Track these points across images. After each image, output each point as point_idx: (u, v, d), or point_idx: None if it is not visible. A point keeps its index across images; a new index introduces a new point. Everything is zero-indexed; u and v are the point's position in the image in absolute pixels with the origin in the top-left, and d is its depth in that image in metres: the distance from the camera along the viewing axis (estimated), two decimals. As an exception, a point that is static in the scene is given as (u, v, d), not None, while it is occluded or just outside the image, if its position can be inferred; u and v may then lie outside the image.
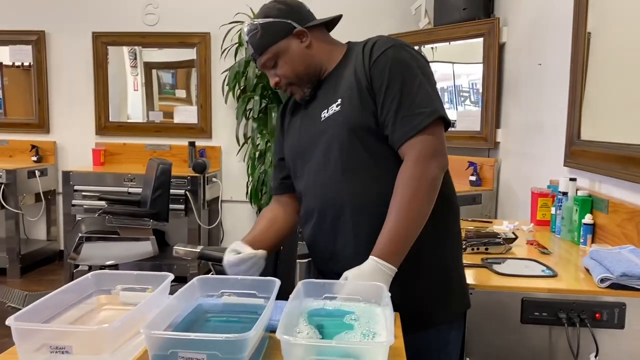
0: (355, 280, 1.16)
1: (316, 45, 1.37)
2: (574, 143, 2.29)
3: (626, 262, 1.52)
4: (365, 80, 1.27)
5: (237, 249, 1.38)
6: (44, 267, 4.59)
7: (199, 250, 2.35)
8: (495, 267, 1.68)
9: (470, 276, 1.57)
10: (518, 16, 3.31)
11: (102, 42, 4.62)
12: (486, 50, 3.62)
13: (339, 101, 1.31)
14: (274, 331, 1.09)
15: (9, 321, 0.85)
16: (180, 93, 4.75)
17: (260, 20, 1.34)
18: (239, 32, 4.42)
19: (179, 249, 2.39)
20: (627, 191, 1.87)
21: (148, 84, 4.75)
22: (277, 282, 1.08)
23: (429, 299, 1.32)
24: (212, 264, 2.37)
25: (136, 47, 4.65)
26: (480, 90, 3.70)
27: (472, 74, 3.82)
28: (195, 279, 1.11)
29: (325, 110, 1.34)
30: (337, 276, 1.20)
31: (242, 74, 4.26)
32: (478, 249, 1.84)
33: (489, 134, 3.65)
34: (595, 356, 1.43)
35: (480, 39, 3.68)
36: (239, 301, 1.11)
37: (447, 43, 3.92)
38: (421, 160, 1.21)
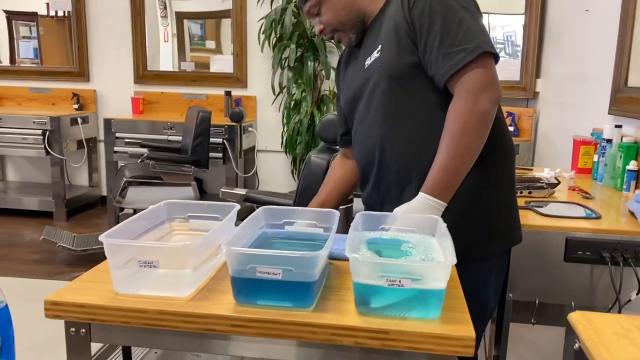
0: (401, 220, 1.19)
1: None
2: (620, 90, 2.27)
3: (672, 204, 1.54)
4: (404, 24, 1.27)
5: None
6: (88, 211, 4.78)
7: (244, 193, 2.46)
8: (539, 209, 1.72)
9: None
10: (564, -39, 3.22)
11: (139, -11, 4.63)
12: (529, -2, 3.55)
13: (379, 47, 1.32)
14: (332, 259, 1.18)
15: (102, 237, 0.93)
16: (210, 44, 4.78)
17: None
18: (275, -21, 4.38)
19: (226, 191, 2.50)
20: (675, 137, 1.86)
21: (180, 34, 4.77)
22: (337, 213, 1.15)
23: (469, 235, 1.31)
24: (255, 206, 2.47)
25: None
26: (516, 42, 3.64)
27: (507, 26, 3.75)
28: (260, 208, 1.18)
29: (369, 58, 1.36)
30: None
31: (279, 22, 4.25)
32: (521, 192, 1.88)
33: (529, 84, 3.61)
34: (637, 294, 1.48)
35: (524, -15, 3.60)
36: (300, 229, 1.18)
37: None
38: (470, 94, 1.20)
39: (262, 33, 4.43)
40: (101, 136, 4.71)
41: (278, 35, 4.33)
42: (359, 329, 0.89)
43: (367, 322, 0.89)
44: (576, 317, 0.93)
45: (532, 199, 1.85)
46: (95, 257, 3.64)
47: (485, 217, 1.36)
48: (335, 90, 1.60)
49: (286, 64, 4.37)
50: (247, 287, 0.93)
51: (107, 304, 0.93)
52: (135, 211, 3.57)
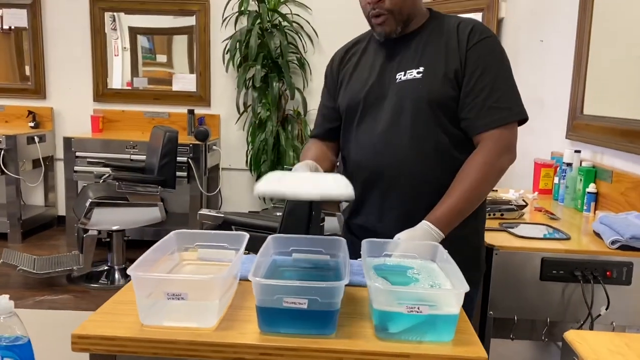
0: (404, 245, 1.24)
1: None
2: (576, 117, 2.45)
3: (634, 226, 1.69)
4: (457, 61, 1.32)
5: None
6: (44, 232, 4.64)
7: (223, 215, 2.48)
8: (512, 230, 1.84)
9: (493, 239, 1.73)
10: (518, -8, 3.43)
11: (100, 8, 4.58)
12: (485, 25, 3.74)
13: (421, 69, 1.35)
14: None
15: (130, 271, 0.96)
16: (161, 58, 4.77)
17: None
18: (239, 1, 4.43)
19: (204, 213, 2.52)
20: (630, 162, 2.03)
21: (133, 49, 4.74)
22: (344, 241, 1.21)
23: (464, 263, 1.43)
24: (235, 228, 2.49)
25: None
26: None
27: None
28: (269, 237, 1.23)
29: (402, 73, 1.38)
30: (361, 230, 1.31)
31: (244, 43, 4.30)
32: (494, 214, 2.00)
33: (486, 107, 3.80)
34: (606, 309, 1.61)
35: (480, 14, 3.79)
36: (307, 257, 1.23)
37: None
38: (498, 151, 1.30)
39: (227, 53, 4.46)
40: (59, 155, 4.60)
41: (243, 56, 4.38)
42: (381, 354, 0.95)
43: (387, 347, 0.96)
44: (572, 336, 1.03)
45: (504, 221, 1.97)
46: (56, 280, 3.55)
47: (473, 241, 1.47)
48: (326, 83, 1.59)
49: (251, 83, 4.42)
50: (273, 317, 0.98)
51: (136, 336, 0.96)
52: (99, 232, 3.52)
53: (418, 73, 1.36)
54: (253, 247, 1.23)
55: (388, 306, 0.97)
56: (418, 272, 1.17)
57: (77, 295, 3.41)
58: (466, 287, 0.97)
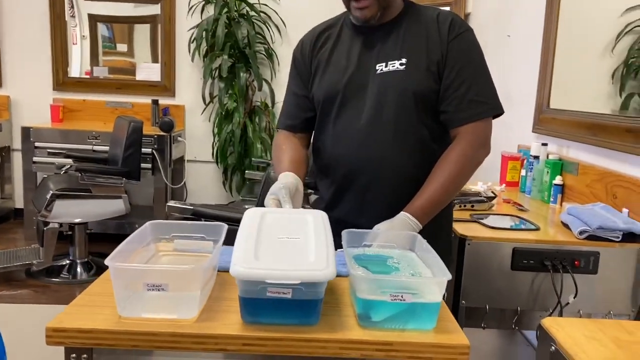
0: (385, 235, 1.25)
1: None
2: (543, 111, 2.51)
3: (600, 217, 1.74)
4: (438, 52, 1.33)
5: (278, 199, 1.28)
6: None
7: (192, 207, 2.44)
8: (483, 221, 1.87)
9: (465, 229, 1.75)
10: (485, -12, 3.48)
11: (60, -7, 4.42)
12: (452, 19, 3.79)
13: (404, 61, 1.34)
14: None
15: (107, 261, 0.93)
16: (121, 47, 4.66)
17: None
18: (206, -10, 4.36)
19: (173, 205, 2.47)
20: (595, 155, 2.09)
21: (93, 38, 4.61)
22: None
23: (441, 252, 1.44)
24: (204, 220, 2.45)
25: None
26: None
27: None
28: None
29: (383, 64, 1.36)
30: (339, 224, 1.27)
31: (210, 32, 4.23)
32: (465, 205, 2.03)
33: (452, 101, 3.85)
34: (574, 297, 1.66)
35: (447, 9, 3.83)
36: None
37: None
38: (475, 144, 1.34)
39: (193, 42, 4.38)
40: (16, 145, 4.43)
41: (209, 45, 4.31)
42: (364, 342, 0.94)
43: (370, 335, 0.96)
44: (549, 323, 1.05)
45: (474, 212, 2.00)
46: (14, 274, 3.43)
47: (447, 230, 1.50)
48: (296, 69, 1.51)
49: (217, 74, 4.36)
50: (256, 307, 0.96)
51: (115, 328, 0.93)
52: (61, 225, 3.41)
53: (401, 65, 1.35)
54: (225, 238, 1.20)
55: (371, 295, 0.97)
56: (398, 261, 1.17)
57: (37, 290, 3.30)
58: (448, 275, 0.98)
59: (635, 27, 1.91)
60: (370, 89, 1.38)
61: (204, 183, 4.72)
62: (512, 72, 2.99)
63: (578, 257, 1.67)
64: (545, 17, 2.53)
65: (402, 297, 0.97)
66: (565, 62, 2.37)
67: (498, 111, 1.37)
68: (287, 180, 1.34)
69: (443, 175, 1.32)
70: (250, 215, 1.15)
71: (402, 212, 1.31)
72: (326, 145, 1.46)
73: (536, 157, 2.34)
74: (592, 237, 1.70)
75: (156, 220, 1.21)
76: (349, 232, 1.23)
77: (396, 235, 1.26)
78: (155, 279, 0.94)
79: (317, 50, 1.48)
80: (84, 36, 4.60)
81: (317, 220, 1.14)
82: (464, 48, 1.35)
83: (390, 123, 1.36)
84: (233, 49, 4.29)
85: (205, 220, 2.43)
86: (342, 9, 1.44)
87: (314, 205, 1.61)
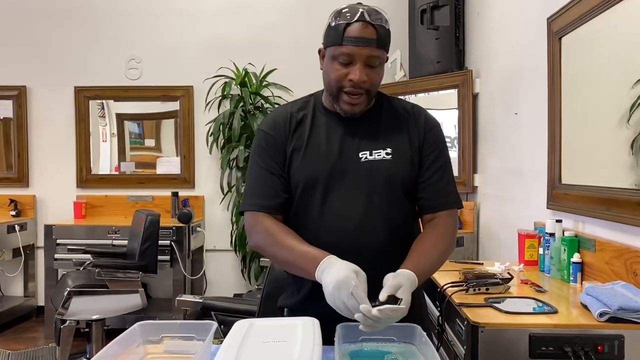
0: (395, 279, 1.19)
1: None
2: (555, 187, 2.46)
3: (621, 296, 1.64)
4: (418, 141, 1.43)
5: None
6: (22, 324, 4.47)
7: (202, 301, 2.40)
8: (498, 305, 1.78)
9: (478, 315, 1.67)
10: (490, 69, 3.54)
11: (85, 96, 4.67)
12: (460, 100, 3.84)
13: (389, 150, 1.40)
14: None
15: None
16: (149, 142, 4.83)
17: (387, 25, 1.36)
18: (222, 85, 4.55)
19: (183, 299, 2.44)
20: (611, 230, 2.02)
21: (120, 135, 4.79)
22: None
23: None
24: (214, 313, 2.41)
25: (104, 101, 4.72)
26: (455, 137, 3.89)
27: (446, 122, 4.01)
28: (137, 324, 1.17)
29: (367, 152, 1.39)
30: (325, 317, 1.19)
31: (227, 125, 4.37)
32: (479, 289, 1.94)
33: (467, 179, 3.83)
34: (601, 386, 1.53)
35: (455, 90, 3.90)
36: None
37: (424, 94, 4.13)
38: (454, 229, 1.47)
39: (210, 135, 4.52)
40: (40, 243, 4.51)
41: (226, 137, 4.44)
42: None
43: None
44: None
45: (489, 295, 1.92)
46: (32, 375, 3.38)
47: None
48: (268, 149, 1.43)
49: (235, 164, 4.45)
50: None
51: None
52: (78, 322, 3.38)
53: (387, 154, 1.40)
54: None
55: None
56: (395, 357, 1.11)
57: (53, 391, 3.24)
58: (443, 373, 0.92)
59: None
60: (355, 177, 1.39)
61: (224, 272, 4.70)
62: (522, 148, 2.98)
63: (600, 342, 1.56)
64: (548, 94, 2.54)
65: (394, 399, 0.90)
66: (573, 137, 2.35)
67: (462, 204, 1.49)
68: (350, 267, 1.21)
69: (440, 247, 1.39)
70: (238, 326, 1.12)
71: (410, 272, 1.25)
72: (308, 232, 1.38)
73: (552, 235, 2.27)
74: (614, 319, 1.60)
75: (146, 321, 1.19)
76: (343, 326, 1.18)
77: (397, 327, 1.20)
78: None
79: (292, 132, 1.44)
80: (113, 134, 4.80)
81: (307, 326, 1.10)
82: (437, 141, 1.46)
83: (381, 211, 1.39)
84: (249, 139, 4.40)
85: (215, 314, 2.40)
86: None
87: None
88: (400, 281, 1.19)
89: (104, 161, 4.79)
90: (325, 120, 1.45)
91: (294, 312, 1.41)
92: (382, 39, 1.33)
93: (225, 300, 2.44)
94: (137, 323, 1.17)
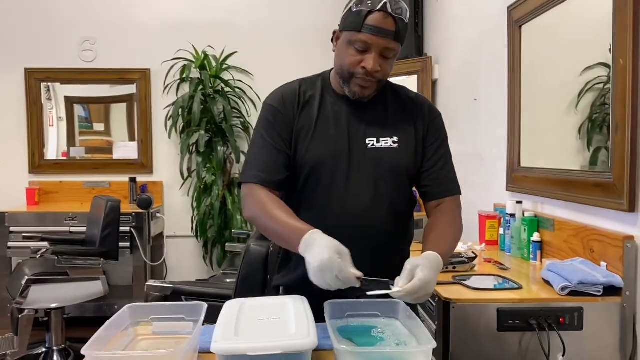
0: (424, 266, 1.18)
1: None
2: (515, 170, 2.57)
3: (580, 272, 1.75)
4: (422, 130, 1.48)
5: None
6: (-29, 315, 4.30)
7: (171, 286, 2.40)
8: (466, 282, 1.86)
9: (448, 292, 1.75)
10: (449, 55, 3.63)
11: (36, 79, 4.50)
12: (420, 86, 3.92)
13: (396, 139, 1.43)
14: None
15: (84, 351, 0.90)
16: (98, 127, 4.70)
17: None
18: (181, 68, 4.47)
19: (152, 284, 2.42)
20: (569, 210, 2.13)
21: (69, 119, 4.65)
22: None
23: None
24: (185, 298, 2.41)
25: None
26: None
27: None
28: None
29: (374, 139, 1.42)
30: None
31: (186, 109, 4.31)
32: (447, 268, 2.02)
33: (427, 163, 3.92)
34: (563, 355, 1.64)
35: (415, 76, 3.98)
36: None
37: (384, 79, 4.17)
38: (460, 214, 1.53)
39: (169, 119, 4.45)
40: (-9, 231, 4.34)
41: (186, 122, 4.38)
42: (353, 420, 0.92)
43: (359, 412, 0.93)
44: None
45: (457, 274, 2.00)
46: (-12, 367, 3.28)
47: None
48: (275, 122, 1.43)
49: (194, 149, 4.40)
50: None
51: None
52: (37, 312, 3.29)
53: (394, 143, 1.44)
54: (207, 316, 1.18)
55: (357, 369, 0.96)
56: (382, 330, 1.16)
57: (12, 382, 3.15)
58: (433, 344, 0.97)
59: (594, 84, 2.00)
60: (361, 163, 1.41)
61: (184, 258, 4.66)
62: (482, 133, 3.08)
63: (562, 314, 1.67)
64: (508, 80, 2.64)
65: (388, 369, 0.95)
66: (533, 122, 2.46)
67: (460, 191, 1.55)
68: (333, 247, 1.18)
69: (454, 230, 1.45)
70: (229, 305, 1.15)
71: (438, 255, 1.26)
72: (313, 214, 1.38)
73: (512, 215, 2.38)
74: (574, 293, 1.71)
75: (135, 303, 1.19)
76: (331, 304, 1.22)
77: (379, 302, 1.25)
78: (134, 367, 0.91)
79: (299, 110, 1.44)
80: (60, 118, 4.64)
81: (297, 303, 1.14)
82: (439, 130, 1.51)
83: (386, 196, 1.43)
84: (209, 124, 4.36)
85: (185, 298, 2.39)
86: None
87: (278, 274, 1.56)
88: (415, 262, 1.20)
89: (52, 146, 4.63)
90: (333, 102, 1.46)
91: (291, 290, 1.36)
92: (399, 33, 1.34)
93: (194, 285, 2.44)
94: (127, 305, 1.18)
